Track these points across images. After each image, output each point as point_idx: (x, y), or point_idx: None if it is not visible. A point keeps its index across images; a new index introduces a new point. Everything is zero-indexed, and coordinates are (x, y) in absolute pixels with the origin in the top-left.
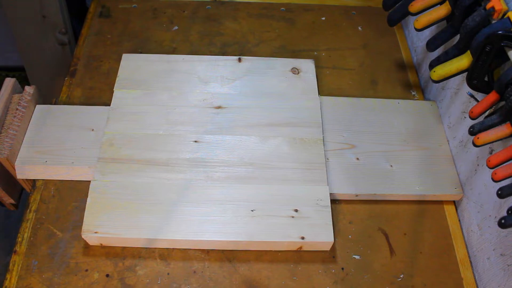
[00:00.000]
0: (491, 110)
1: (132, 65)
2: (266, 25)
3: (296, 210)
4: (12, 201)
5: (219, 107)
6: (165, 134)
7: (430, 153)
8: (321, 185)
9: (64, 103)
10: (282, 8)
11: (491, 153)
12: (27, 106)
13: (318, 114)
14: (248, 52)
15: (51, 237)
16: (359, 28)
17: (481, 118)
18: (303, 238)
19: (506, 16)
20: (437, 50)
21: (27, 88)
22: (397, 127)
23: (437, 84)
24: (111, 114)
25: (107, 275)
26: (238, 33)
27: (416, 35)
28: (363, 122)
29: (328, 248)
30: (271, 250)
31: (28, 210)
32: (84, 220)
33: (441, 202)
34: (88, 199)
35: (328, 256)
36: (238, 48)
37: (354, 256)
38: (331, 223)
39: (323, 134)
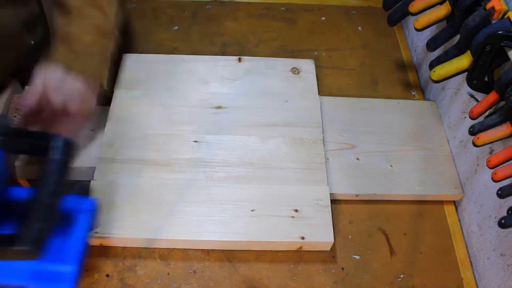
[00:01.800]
0: (491, 110)
1: (132, 65)
2: (266, 25)
3: (296, 210)
4: None
5: (219, 107)
6: (165, 134)
7: (430, 153)
8: (321, 185)
9: None
10: (282, 8)
11: (491, 153)
12: None
13: (318, 114)
14: (248, 52)
15: None
16: (359, 28)
17: (481, 118)
18: (303, 238)
19: (506, 16)
20: (437, 50)
21: (27, 88)
22: (397, 127)
23: (437, 84)
24: (111, 114)
25: (107, 275)
26: (238, 33)
27: (416, 35)
28: (363, 122)
29: (328, 248)
30: (271, 250)
31: None
32: None
33: (441, 202)
34: None
35: (328, 256)
36: (238, 48)
37: (354, 256)
38: (331, 223)
39: (323, 134)
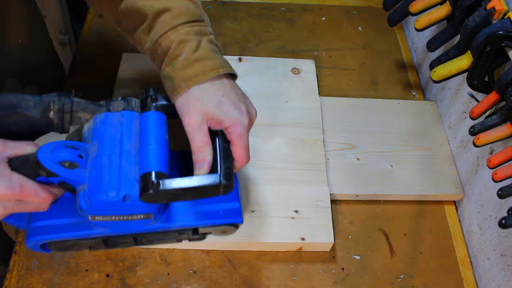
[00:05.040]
0: (492, 110)
1: (132, 64)
2: (266, 25)
3: (296, 211)
4: None
5: None
6: None
7: (431, 153)
8: (321, 185)
9: None
10: (282, 8)
11: (491, 153)
12: None
13: (318, 114)
14: (248, 52)
15: None
16: (359, 28)
17: (481, 118)
18: (303, 239)
19: (506, 17)
20: (438, 50)
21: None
22: (397, 127)
23: (437, 84)
24: None
25: (107, 275)
26: (238, 33)
27: (416, 35)
28: (363, 122)
29: (328, 248)
30: (271, 251)
31: None
32: None
33: (441, 202)
34: None
35: (328, 256)
36: (238, 48)
37: (354, 256)
38: (331, 224)
39: (323, 134)
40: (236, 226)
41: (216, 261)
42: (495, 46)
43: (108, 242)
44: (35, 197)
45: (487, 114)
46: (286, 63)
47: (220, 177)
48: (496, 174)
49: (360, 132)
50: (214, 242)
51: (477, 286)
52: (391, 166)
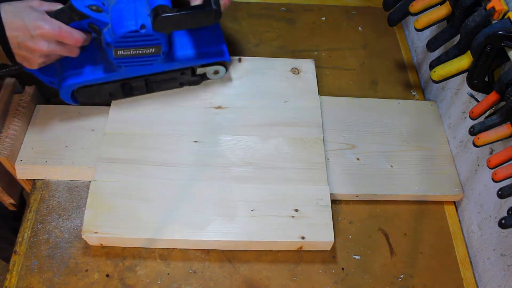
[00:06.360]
0: (492, 110)
1: None
2: (266, 25)
3: (296, 210)
4: (12, 201)
5: (219, 107)
6: (165, 134)
7: (430, 153)
8: (322, 185)
9: (64, 103)
10: (282, 8)
11: (491, 153)
12: (27, 106)
13: (318, 114)
14: (248, 52)
15: (51, 237)
16: (359, 28)
17: (481, 119)
18: (303, 238)
19: (506, 17)
20: (438, 50)
21: (27, 88)
22: (397, 127)
23: (437, 84)
24: (111, 114)
25: (107, 275)
26: (238, 33)
27: (416, 35)
28: (363, 122)
29: (328, 248)
30: (271, 250)
31: (28, 210)
32: (84, 220)
33: (441, 202)
34: (88, 199)
35: (328, 256)
36: (238, 48)
37: (354, 256)
38: (332, 222)
39: (323, 134)
40: (224, 65)
41: (216, 261)
42: (495, 46)
43: (124, 87)
44: (70, 37)
45: (487, 114)
46: (286, 63)
47: (212, 4)
48: (496, 174)
49: (360, 132)
50: (214, 242)
51: (477, 286)
52: (391, 166)
